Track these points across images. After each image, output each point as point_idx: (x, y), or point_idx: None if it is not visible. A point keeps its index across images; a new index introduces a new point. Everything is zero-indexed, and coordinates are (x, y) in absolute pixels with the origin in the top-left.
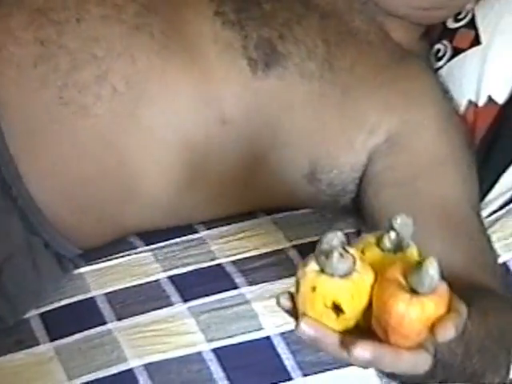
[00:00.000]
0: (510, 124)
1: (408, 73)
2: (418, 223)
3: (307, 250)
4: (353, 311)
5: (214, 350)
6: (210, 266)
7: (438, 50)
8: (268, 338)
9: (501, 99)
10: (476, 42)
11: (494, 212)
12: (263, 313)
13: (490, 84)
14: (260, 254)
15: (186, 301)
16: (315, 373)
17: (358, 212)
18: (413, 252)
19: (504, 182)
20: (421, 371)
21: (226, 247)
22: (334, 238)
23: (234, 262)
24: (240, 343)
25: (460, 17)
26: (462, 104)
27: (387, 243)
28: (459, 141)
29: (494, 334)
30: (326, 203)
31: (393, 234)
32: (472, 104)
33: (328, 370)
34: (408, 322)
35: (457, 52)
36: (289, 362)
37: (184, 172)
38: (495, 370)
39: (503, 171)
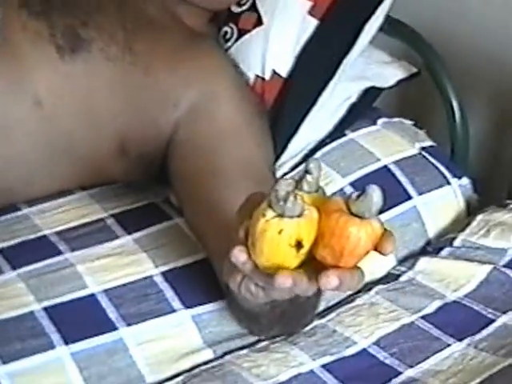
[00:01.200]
0: (294, 95)
1: (202, 52)
2: (224, 181)
3: (123, 218)
4: (309, 245)
5: (45, 309)
6: (36, 238)
7: (226, 32)
8: (92, 295)
9: (284, 72)
10: (258, 23)
11: (285, 174)
12: (87, 274)
13: (273, 59)
14: (80, 224)
15: (15, 268)
16: (137, 322)
17: (166, 181)
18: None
19: (292, 147)
20: (359, 286)
21: (49, 221)
22: (288, 185)
23: (57, 233)
24: (68, 301)
25: (242, 2)
26: (251, 78)
27: (306, 187)
28: (253, 109)
29: None
30: (137, 175)
31: (310, 177)
32: (259, 78)
33: (148, 319)
34: (363, 243)
35: (242, 33)
36: (113, 314)
37: (1, 151)
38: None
39: (291, 137)
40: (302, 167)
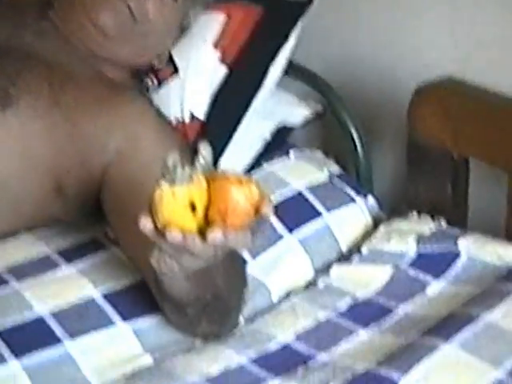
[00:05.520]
0: (211, 133)
1: (124, 100)
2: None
3: (67, 253)
4: (202, 207)
5: None
6: None
7: (147, 83)
8: (39, 316)
9: (201, 115)
10: (175, 73)
11: None
12: (33, 298)
13: (190, 104)
14: (27, 261)
15: None
16: (81, 335)
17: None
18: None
19: None
20: (247, 246)
21: None
22: (174, 158)
23: (6, 268)
24: (17, 324)
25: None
26: (172, 122)
27: (199, 167)
28: (174, 142)
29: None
30: (76, 214)
31: (202, 160)
32: (179, 121)
33: (91, 332)
34: (243, 203)
35: (161, 82)
36: (59, 331)
37: None
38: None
39: None
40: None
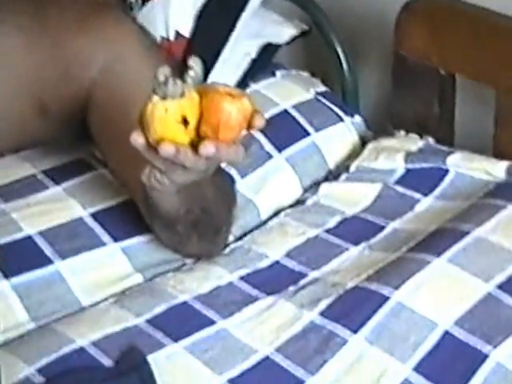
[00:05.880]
0: (197, 52)
1: (108, 18)
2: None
3: (53, 173)
4: (194, 121)
5: None
6: None
7: (131, 2)
8: (29, 236)
9: (187, 33)
10: None
11: None
12: (21, 219)
13: (175, 21)
14: (13, 181)
15: None
16: (71, 256)
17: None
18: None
19: None
20: (239, 160)
21: None
22: (164, 72)
23: None
24: (6, 243)
25: None
26: (157, 40)
27: (189, 80)
28: (164, 61)
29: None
30: (60, 134)
31: (192, 72)
32: (165, 39)
33: (81, 253)
34: (235, 116)
35: (145, 0)
36: (48, 251)
37: None
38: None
39: None
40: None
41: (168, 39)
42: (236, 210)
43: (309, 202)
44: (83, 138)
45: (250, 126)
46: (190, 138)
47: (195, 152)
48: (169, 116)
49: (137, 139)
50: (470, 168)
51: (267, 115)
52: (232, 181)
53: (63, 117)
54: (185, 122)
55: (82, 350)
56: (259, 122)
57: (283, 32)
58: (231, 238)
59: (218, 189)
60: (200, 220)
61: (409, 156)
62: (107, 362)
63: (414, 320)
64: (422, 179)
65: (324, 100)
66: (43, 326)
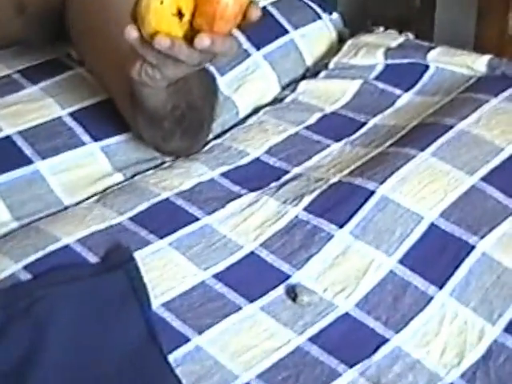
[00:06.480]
0: None
1: None
2: (117, 21)
3: (29, 72)
4: (189, 13)
5: None
6: None
7: None
8: (7, 136)
9: None
10: None
11: None
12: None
13: None
14: None
15: None
16: (51, 156)
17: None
18: None
19: None
20: (233, 53)
21: None
22: None
23: None
24: None
25: None
26: None
27: None
28: None
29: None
30: (36, 33)
31: None
32: None
33: (61, 153)
34: (231, 5)
35: None
36: (28, 151)
37: None
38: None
39: None
40: None
41: None
42: (218, 106)
43: (287, 100)
44: (59, 38)
45: (244, 18)
46: (184, 32)
47: (189, 45)
48: (164, 8)
49: (130, 33)
50: (450, 63)
51: None
52: (214, 78)
53: (40, 16)
54: (179, 14)
55: (67, 247)
56: (255, 14)
57: None
58: (210, 135)
59: (203, 84)
60: (185, 115)
61: (389, 51)
62: (93, 258)
63: (399, 213)
64: (403, 75)
65: None
66: (27, 225)
